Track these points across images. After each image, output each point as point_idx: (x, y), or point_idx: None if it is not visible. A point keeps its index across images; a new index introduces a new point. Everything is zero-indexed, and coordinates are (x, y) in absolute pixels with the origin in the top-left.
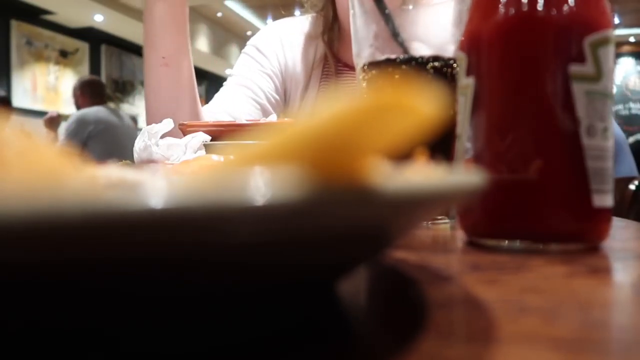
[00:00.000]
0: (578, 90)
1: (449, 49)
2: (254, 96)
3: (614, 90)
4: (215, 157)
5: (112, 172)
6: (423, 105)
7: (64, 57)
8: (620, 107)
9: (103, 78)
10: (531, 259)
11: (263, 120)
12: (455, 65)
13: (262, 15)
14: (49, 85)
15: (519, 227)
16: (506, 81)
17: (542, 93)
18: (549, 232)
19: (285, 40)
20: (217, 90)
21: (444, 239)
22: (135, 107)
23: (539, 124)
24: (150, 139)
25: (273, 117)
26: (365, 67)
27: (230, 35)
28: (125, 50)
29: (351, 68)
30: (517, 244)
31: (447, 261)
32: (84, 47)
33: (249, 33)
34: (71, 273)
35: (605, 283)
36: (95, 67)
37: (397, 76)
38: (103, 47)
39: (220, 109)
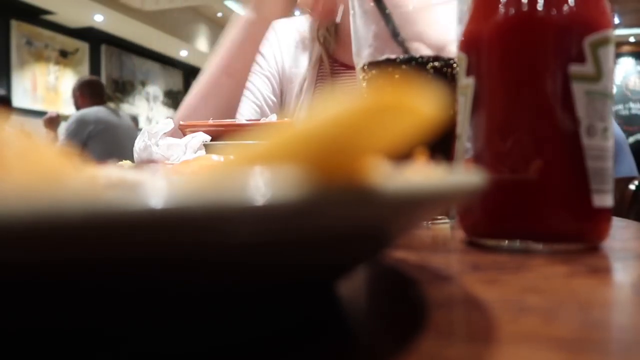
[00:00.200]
0: (578, 90)
1: (449, 49)
2: (253, 98)
3: (614, 90)
4: (215, 157)
5: (112, 172)
6: (423, 105)
7: (64, 57)
8: (620, 107)
9: (103, 78)
10: (531, 259)
11: (263, 120)
12: (455, 65)
13: None
14: (49, 85)
15: (519, 227)
16: (506, 81)
17: (542, 93)
18: (549, 232)
19: (282, 40)
20: None
21: (444, 239)
22: (135, 107)
23: (539, 124)
24: (150, 139)
25: (273, 117)
26: (365, 67)
27: None
28: (125, 50)
29: (348, 68)
30: (517, 243)
31: (447, 261)
32: (84, 47)
33: None
34: (71, 273)
35: (605, 283)
36: (95, 67)
37: (397, 76)
38: (103, 47)
39: None
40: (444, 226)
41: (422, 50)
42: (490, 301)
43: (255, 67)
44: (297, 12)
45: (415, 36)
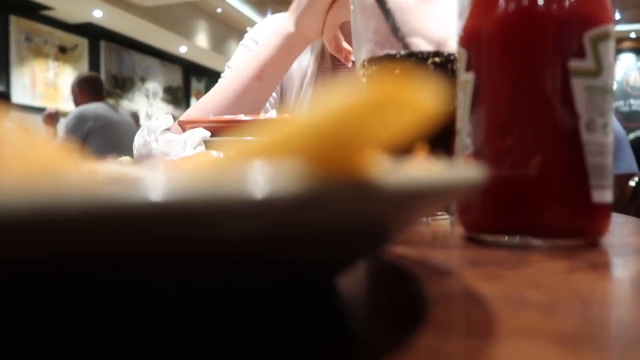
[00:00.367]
0: (578, 85)
1: (450, 44)
2: None
3: (615, 86)
4: (214, 153)
5: (111, 168)
6: (423, 100)
7: (63, 53)
8: (620, 103)
9: (102, 74)
10: (531, 255)
11: (262, 116)
12: (455, 60)
13: (262, 11)
14: (48, 81)
15: (518, 222)
16: (506, 76)
17: (541, 88)
18: (548, 227)
19: None
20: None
21: (443, 234)
22: (135, 103)
23: (539, 120)
24: (149, 135)
25: (272, 113)
26: (365, 63)
27: (230, 31)
28: (125, 46)
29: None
30: (517, 239)
31: (447, 257)
32: (83, 43)
33: (248, 29)
34: (70, 269)
35: (605, 278)
36: (94, 63)
37: (397, 72)
38: (102, 43)
39: None
40: (443, 222)
41: (422, 45)
42: (490, 296)
43: None
44: None
45: (416, 31)
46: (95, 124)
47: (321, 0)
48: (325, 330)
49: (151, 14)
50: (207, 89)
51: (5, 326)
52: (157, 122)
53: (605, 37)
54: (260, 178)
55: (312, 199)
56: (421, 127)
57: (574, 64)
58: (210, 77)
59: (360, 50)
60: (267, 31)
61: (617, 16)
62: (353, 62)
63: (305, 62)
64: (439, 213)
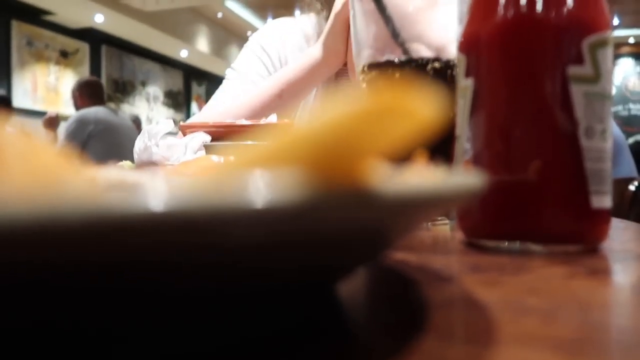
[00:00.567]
0: (577, 91)
1: (449, 50)
2: None
3: (614, 91)
4: (215, 158)
5: (112, 174)
6: (422, 107)
7: (64, 57)
8: (619, 107)
9: (103, 78)
10: (531, 260)
11: (263, 121)
12: (455, 66)
13: (263, 16)
14: (49, 85)
15: (518, 228)
16: (505, 82)
17: (540, 94)
18: (548, 233)
19: (286, 39)
20: (216, 91)
21: (444, 240)
22: (136, 107)
23: (538, 125)
24: (150, 139)
25: (273, 118)
26: (365, 69)
27: (231, 35)
28: (126, 50)
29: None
30: (517, 245)
31: (447, 262)
32: (84, 47)
33: (249, 33)
34: (71, 274)
35: (605, 284)
36: (95, 68)
37: (396, 77)
38: (103, 48)
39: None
40: (444, 227)
41: (422, 51)
42: (490, 302)
43: (260, 68)
44: (297, 13)
45: (415, 37)
46: (96, 128)
47: (342, 17)
48: (325, 333)
49: (152, 19)
50: (208, 93)
51: (6, 328)
52: (158, 126)
53: (603, 43)
54: (261, 186)
55: (313, 207)
56: (421, 135)
57: (573, 70)
58: (211, 81)
59: (360, 56)
60: (296, 55)
61: (616, 21)
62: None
63: None
64: (439, 218)
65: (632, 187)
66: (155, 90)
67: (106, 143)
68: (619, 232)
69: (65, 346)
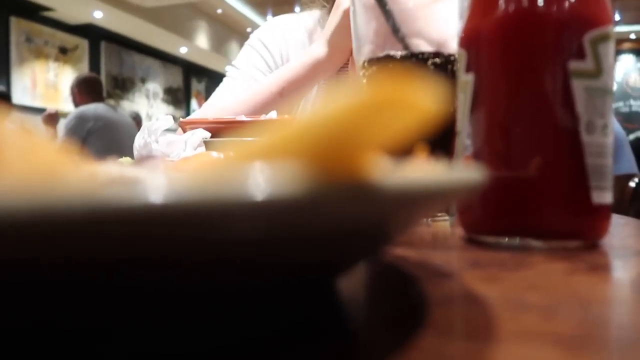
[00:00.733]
0: (578, 86)
1: (450, 45)
2: None
3: (615, 87)
4: (215, 154)
5: (112, 169)
6: (423, 101)
7: (63, 54)
8: (620, 104)
9: (103, 75)
10: (531, 256)
11: (263, 117)
12: (455, 61)
13: (262, 12)
14: (48, 82)
15: (518, 224)
16: (505, 78)
17: (541, 89)
18: (548, 229)
19: (288, 36)
20: (216, 87)
21: (444, 236)
22: (135, 104)
23: (539, 121)
24: (150, 135)
25: (273, 114)
26: (366, 64)
27: (230, 32)
28: (125, 47)
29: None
30: (517, 241)
31: (447, 258)
32: (83, 43)
33: (249, 30)
34: (70, 270)
35: (605, 280)
36: (94, 64)
37: (397, 73)
38: (103, 44)
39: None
40: (443, 223)
41: (422, 46)
42: (490, 298)
43: (260, 63)
44: (297, 9)
45: (416, 32)
46: (95, 125)
47: (348, 12)
48: (325, 331)
49: (151, 15)
50: (208, 90)
51: (5, 326)
52: (158, 122)
53: (605, 38)
54: (261, 180)
55: (313, 200)
56: (421, 129)
57: (574, 65)
58: (211, 77)
59: (360, 51)
60: (298, 54)
61: (617, 17)
62: None
63: None
64: (439, 214)
65: (632, 184)
66: (154, 86)
67: (105, 139)
68: (619, 228)
69: (65, 346)
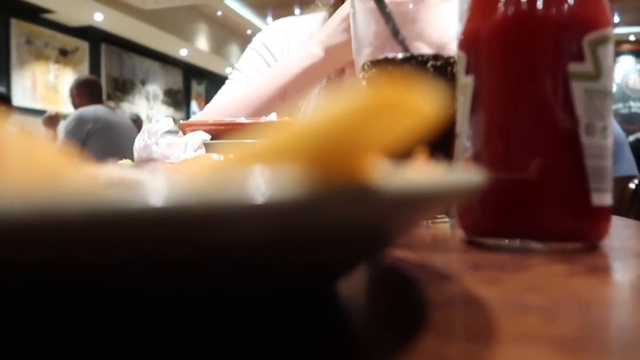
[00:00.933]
0: (577, 88)
1: (450, 48)
2: None
3: (614, 88)
4: (215, 156)
5: (112, 171)
6: (423, 103)
7: (63, 56)
8: (620, 105)
9: (103, 77)
10: (531, 258)
11: (263, 119)
12: (455, 63)
13: (262, 14)
14: (48, 84)
15: (518, 225)
16: (505, 80)
17: (541, 92)
18: (548, 230)
19: (292, 40)
20: (216, 89)
21: (444, 238)
22: (135, 105)
23: (538, 123)
24: (150, 137)
25: (273, 116)
26: (365, 66)
27: (230, 34)
28: (125, 49)
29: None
30: (517, 242)
31: (447, 260)
32: (83, 46)
33: (249, 32)
34: (70, 272)
35: (605, 282)
36: (95, 66)
37: (397, 75)
38: (103, 46)
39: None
40: (444, 225)
41: (422, 48)
42: (490, 300)
43: (264, 68)
44: (297, 12)
45: (416, 35)
46: (95, 126)
47: (345, 19)
48: (325, 331)
49: (152, 17)
50: (208, 92)
51: (6, 326)
52: (158, 124)
53: (604, 40)
54: (261, 182)
55: (313, 203)
56: (421, 131)
57: (573, 67)
58: (211, 80)
59: (360, 53)
60: (295, 50)
61: (616, 19)
62: None
63: None
64: (439, 216)
65: (632, 185)
66: (155, 88)
67: (105, 141)
68: (619, 230)
69: (65, 346)
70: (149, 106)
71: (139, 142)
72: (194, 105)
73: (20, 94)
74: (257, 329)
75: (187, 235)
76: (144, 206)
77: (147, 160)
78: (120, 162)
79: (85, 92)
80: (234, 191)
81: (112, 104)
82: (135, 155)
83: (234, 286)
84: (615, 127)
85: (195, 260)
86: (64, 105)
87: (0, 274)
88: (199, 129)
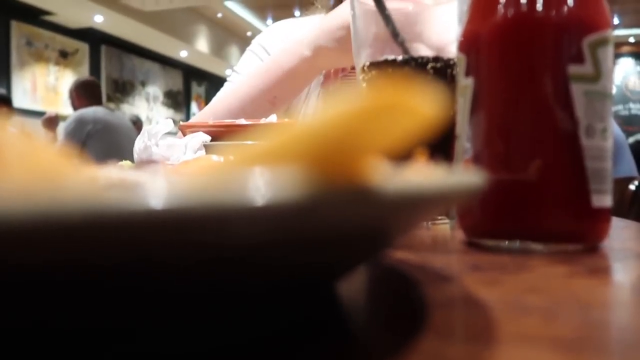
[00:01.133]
0: (577, 90)
1: (449, 50)
2: None
3: (614, 90)
4: (215, 158)
5: (112, 173)
6: (423, 105)
7: (63, 57)
8: (620, 107)
9: (103, 78)
10: (531, 259)
11: (263, 120)
12: (455, 65)
13: (262, 16)
14: (48, 85)
15: (518, 227)
16: (505, 81)
17: (541, 93)
18: (548, 232)
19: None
20: (216, 91)
21: (444, 239)
22: (135, 107)
23: (538, 124)
24: (150, 139)
25: (273, 118)
26: (365, 68)
27: (230, 35)
28: (125, 50)
29: (354, 69)
30: (517, 244)
31: (447, 261)
32: (83, 47)
33: (249, 34)
34: (70, 273)
35: (605, 283)
36: (95, 68)
37: (397, 77)
38: (103, 48)
39: None
40: (444, 226)
41: (422, 50)
42: (490, 301)
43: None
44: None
45: (415, 37)
46: (95, 128)
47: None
48: (325, 331)
49: (152, 19)
50: (208, 93)
51: (6, 326)
52: (158, 126)
53: (604, 42)
54: (261, 184)
55: (313, 205)
56: (421, 133)
57: (573, 69)
58: (211, 81)
59: (360, 55)
60: (284, 49)
61: (616, 21)
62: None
63: None
64: (439, 217)
65: (632, 187)
66: (154, 90)
67: (105, 143)
68: (619, 231)
69: (65, 346)
70: (149, 108)
71: (139, 144)
72: (194, 107)
73: (20, 96)
74: (257, 329)
75: (187, 237)
76: (144, 208)
77: (147, 162)
78: (120, 163)
79: (84, 93)
80: (234, 193)
81: (112, 105)
82: (135, 156)
83: (234, 286)
84: (615, 128)
85: (195, 261)
86: (64, 107)
87: (0, 274)
88: (199, 131)
